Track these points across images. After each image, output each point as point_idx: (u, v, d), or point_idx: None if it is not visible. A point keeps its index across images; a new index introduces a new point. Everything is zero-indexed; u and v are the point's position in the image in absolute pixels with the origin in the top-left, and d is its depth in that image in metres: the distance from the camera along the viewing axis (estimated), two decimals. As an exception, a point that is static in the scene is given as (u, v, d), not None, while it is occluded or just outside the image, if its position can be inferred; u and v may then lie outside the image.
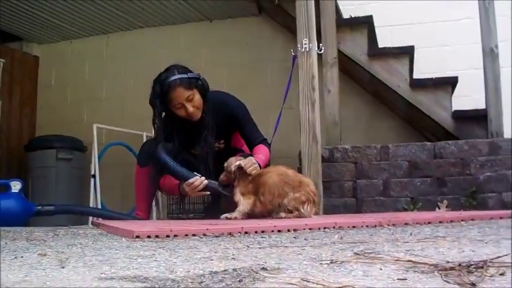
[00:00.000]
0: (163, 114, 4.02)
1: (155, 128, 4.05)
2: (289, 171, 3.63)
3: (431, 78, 4.98)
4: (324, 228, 2.77)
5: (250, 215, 3.52)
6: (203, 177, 3.77)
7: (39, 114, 7.51)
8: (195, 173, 3.80)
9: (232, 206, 3.70)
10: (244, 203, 3.51)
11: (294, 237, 2.35)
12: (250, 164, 3.62)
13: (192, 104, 3.94)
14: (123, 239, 2.47)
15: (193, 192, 3.82)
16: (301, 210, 3.41)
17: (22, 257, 1.87)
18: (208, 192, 3.84)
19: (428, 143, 4.41)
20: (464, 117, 4.80)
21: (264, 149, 4.00)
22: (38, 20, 6.65)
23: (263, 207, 3.54)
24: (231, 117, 4.11)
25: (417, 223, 2.94)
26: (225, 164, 3.71)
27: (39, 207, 4.56)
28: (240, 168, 3.60)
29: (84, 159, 6.56)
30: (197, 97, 3.97)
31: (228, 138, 4.27)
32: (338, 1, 5.41)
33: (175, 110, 3.97)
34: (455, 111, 4.83)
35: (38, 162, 6.39)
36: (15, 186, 4.55)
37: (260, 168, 3.69)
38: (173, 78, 3.92)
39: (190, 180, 3.75)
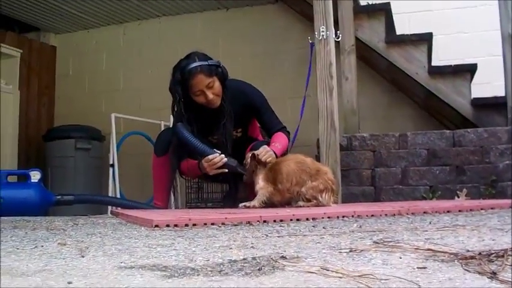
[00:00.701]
0: (183, 101, 4.00)
1: (174, 115, 4.06)
2: (307, 159, 3.63)
3: (450, 66, 4.93)
4: (343, 216, 2.77)
5: (269, 204, 3.52)
6: (223, 155, 3.74)
7: (57, 104, 7.55)
8: (214, 149, 3.79)
9: (250, 194, 3.71)
10: (262, 192, 3.51)
11: (313, 226, 2.35)
12: (264, 152, 3.63)
13: (212, 91, 3.92)
14: (142, 228, 2.48)
15: (211, 169, 3.77)
16: (320, 198, 3.41)
17: (42, 246, 1.88)
18: (226, 170, 3.77)
19: (447, 131, 4.38)
20: (483, 105, 4.75)
21: (282, 137, 3.99)
22: (55, 10, 6.67)
23: (282, 196, 3.54)
24: (249, 105, 4.10)
25: (436, 212, 2.93)
26: (244, 162, 3.71)
27: (59, 197, 4.59)
28: (254, 157, 3.61)
29: (103, 149, 6.60)
30: (217, 84, 3.96)
31: (245, 127, 4.26)
32: (355, -12, 5.37)
33: (195, 97, 3.96)
34: (474, 98, 4.78)
35: (56, 152, 6.43)
36: (35, 176, 4.58)
37: (276, 157, 3.69)
38: (194, 65, 3.90)
39: (210, 157, 3.72)
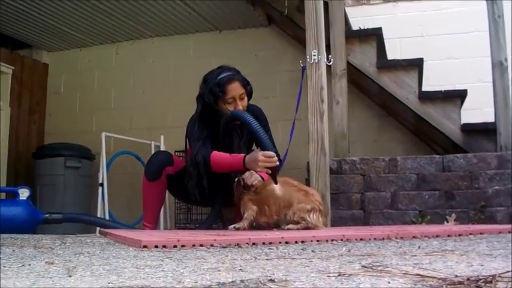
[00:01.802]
0: (206, 112, 4.02)
1: (195, 123, 4.03)
2: (294, 182, 3.64)
3: (440, 91, 4.97)
4: (332, 240, 2.76)
5: (257, 227, 3.51)
6: (276, 157, 3.67)
7: (48, 122, 7.53)
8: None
9: (238, 217, 3.71)
10: (249, 212, 3.51)
11: (302, 249, 2.34)
12: (249, 176, 3.62)
13: (241, 103, 3.98)
14: (131, 249, 2.47)
15: (263, 165, 3.62)
16: (308, 219, 3.41)
17: (30, 264, 1.87)
18: (270, 171, 3.66)
19: (437, 156, 4.40)
20: (473, 131, 4.78)
21: None
22: (47, 27, 6.68)
23: (269, 218, 3.54)
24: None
25: (425, 236, 2.93)
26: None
27: (47, 215, 4.57)
28: (239, 181, 3.61)
29: (92, 168, 6.57)
30: (245, 99, 4.03)
31: (248, 150, 4.23)
32: (347, 13, 5.41)
33: (225, 105, 3.96)
34: (464, 124, 4.81)
35: (46, 170, 6.39)
36: (23, 193, 4.56)
37: (263, 180, 3.69)
38: (231, 72, 3.99)
39: (271, 153, 3.62)
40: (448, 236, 2.99)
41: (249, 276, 1.48)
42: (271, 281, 1.38)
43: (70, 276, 1.57)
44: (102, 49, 7.37)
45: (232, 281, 1.39)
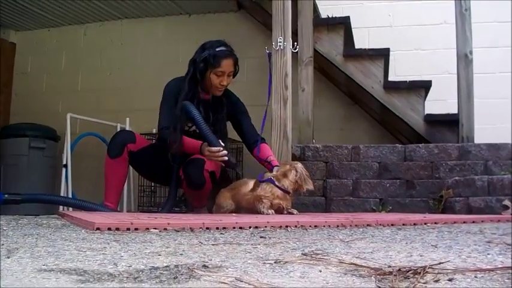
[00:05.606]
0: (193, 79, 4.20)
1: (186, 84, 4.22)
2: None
3: (405, 81, 5.00)
4: (286, 226, 2.77)
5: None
6: (225, 151, 3.90)
7: (14, 102, 7.44)
8: (220, 141, 3.92)
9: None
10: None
11: (252, 235, 2.35)
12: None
13: (228, 79, 4.22)
14: (83, 231, 2.46)
15: (210, 159, 3.97)
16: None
17: (-26, 244, 1.85)
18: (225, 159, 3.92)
19: (399, 145, 4.44)
20: (436, 121, 4.82)
21: (270, 150, 4.20)
22: (16, 6, 6.59)
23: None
24: (233, 108, 4.36)
25: (380, 224, 2.95)
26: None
27: (6, 196, 4.51)
28: None
29: (57, 149, 6.51)
30: (231, 78, 4.27)
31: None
32: (316, 1, 5.41)
33: (213, 75, 4.16)
34: (427, 114, 4.85)
35: (10, 150, 6.32)
36: (-16, 173, 4.51)
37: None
38: (229, 49, 4.26)
39: (214, 149, 3.88)
40: (403, 225, 3.01)
41: (186, 261, 1.49)
42: (205, 266, 1.38)
43: (8, 257, 1.56)
44: (71, 30, 7.30)
45: (167, 266, 1.39)
